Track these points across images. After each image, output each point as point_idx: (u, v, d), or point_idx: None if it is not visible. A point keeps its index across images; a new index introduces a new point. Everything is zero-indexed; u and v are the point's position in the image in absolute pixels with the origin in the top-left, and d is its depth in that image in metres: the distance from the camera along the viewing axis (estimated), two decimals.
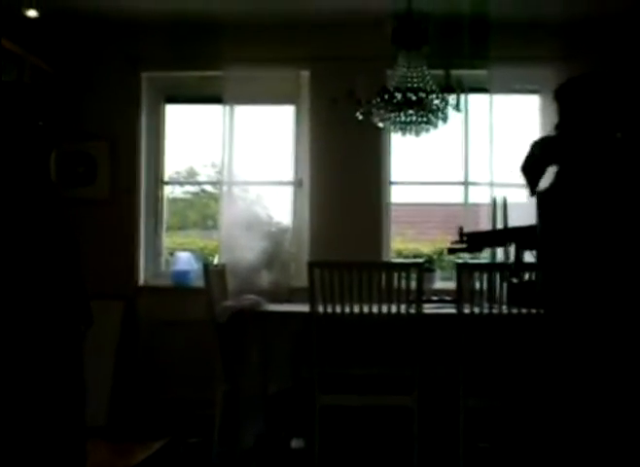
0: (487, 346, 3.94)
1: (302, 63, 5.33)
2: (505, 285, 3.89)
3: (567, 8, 4.93)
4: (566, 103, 2.73)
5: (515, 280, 3.67)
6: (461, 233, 3.17)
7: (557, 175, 2.66)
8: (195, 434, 4.68)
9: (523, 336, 3.76)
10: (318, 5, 4.99)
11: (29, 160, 2.53)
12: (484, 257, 4.71)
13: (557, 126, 2.77)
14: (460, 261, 4.16)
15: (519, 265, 3.56)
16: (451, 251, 3.31)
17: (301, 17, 5.13)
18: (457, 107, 4.34)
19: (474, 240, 3.18)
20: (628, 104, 2.67)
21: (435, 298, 4.61)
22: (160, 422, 4.97)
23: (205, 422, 4.41)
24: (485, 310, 3.98)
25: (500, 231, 3.24)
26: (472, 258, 4.31)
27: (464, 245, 3.19)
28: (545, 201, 2.72)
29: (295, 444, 4.59)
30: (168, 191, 5.74)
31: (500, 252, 4.45)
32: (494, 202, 4.47)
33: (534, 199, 2.83)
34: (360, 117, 4.37)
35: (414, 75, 4.33)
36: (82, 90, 5.42)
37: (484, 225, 4.80)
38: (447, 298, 4.51)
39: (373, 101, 4.32)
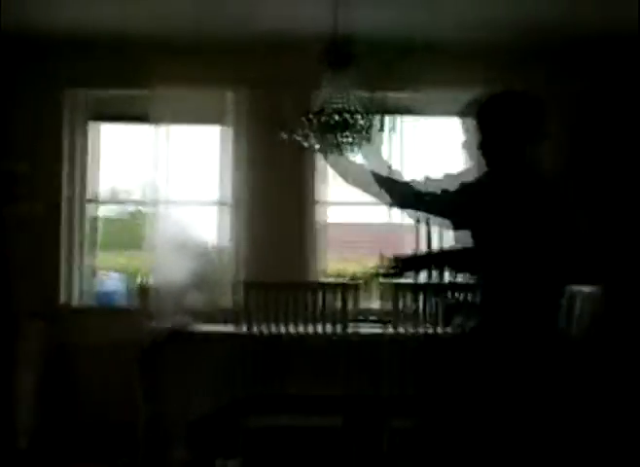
0: (421, 367, 3.98)
1: (227, 84, 5.40)
2: (437, 305, 4.01)
3: (496, 33, 5.09)
4: (487, 121, 2.83)
5: (447, 301, 3.82)
6: (388, 260, 3.24)
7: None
8: (121, 458, 4.62)
9: (457, 356, 3.87)
10: (244, 26, 5.04)
11: None
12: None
13: (480, 146, 2.85)
14: (395, 281, 4.18)
15: (448, 285, 3.69)
16: (381, 277, 3.43)
17: (227, 38, 5.17)
18: (382, 128, 4.43)
19: (402, 265, 3.24)
20: (543, 122, 2.79)
21: (370, 317, 4.67)
22: (83, 446, 4.90)
23: (131, 446, 4.41)
24: (420, 330, 4.08)
25: (428, 255, 3.35)
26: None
27: (394, 271, 3.26)
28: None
29: None
30: (95, 210, 5.70)
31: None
32: (417, 222, 4.58)
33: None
34: (285, 137, 4.43)
35: (339, 96, 4.38)
36: (2, 107, 5.33)
37: (415, 245, 4.89)
38: (380, 318, 4.57)
39: (299, 122, 4.38)
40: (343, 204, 5.62)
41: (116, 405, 4.95)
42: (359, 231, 6.00)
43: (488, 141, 2.84)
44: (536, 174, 2.78)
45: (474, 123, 2.89)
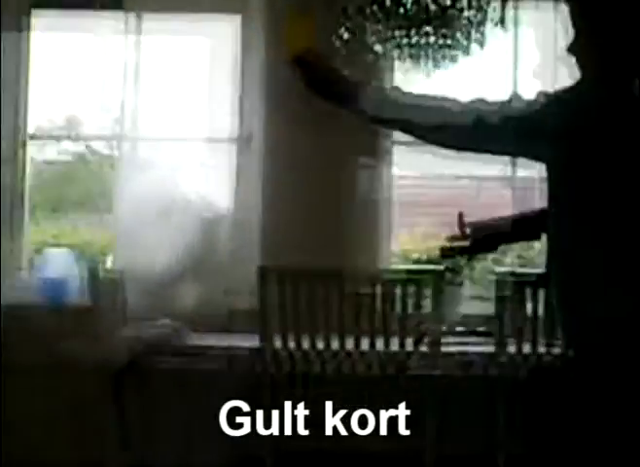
0: (545, 405, 3.77)
1: None
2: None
3: None
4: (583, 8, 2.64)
5: None
6: (462, 224, 3.06)
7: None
8: None
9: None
10: None
11: None
12: None
13: (572, 46, 2.63)
14: (502, 269, 4.35)
15: None
16: (446, 254, 3.22)
17: None
18: (502, 22, 4.36)
19: (482, 235, 3.07)
20: None
21: (461, 328, 4.72)
22: None
23: None
24: (542, 349, 4.12)
25: (525, 217, 3.11)
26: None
27: (467, 243, 3.07)
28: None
29: None
30: (36, 150, 5.66)
31: None
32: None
33: None
34: (345, 36, 4.36)
35: None
36: None
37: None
38: (481, 328, 4.62)
39: (367, 11, 4.28)
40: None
41: (70, 450, 4.97)
42: (453, 188, 6.01)
43: (585, 38, 2.63)
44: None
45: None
